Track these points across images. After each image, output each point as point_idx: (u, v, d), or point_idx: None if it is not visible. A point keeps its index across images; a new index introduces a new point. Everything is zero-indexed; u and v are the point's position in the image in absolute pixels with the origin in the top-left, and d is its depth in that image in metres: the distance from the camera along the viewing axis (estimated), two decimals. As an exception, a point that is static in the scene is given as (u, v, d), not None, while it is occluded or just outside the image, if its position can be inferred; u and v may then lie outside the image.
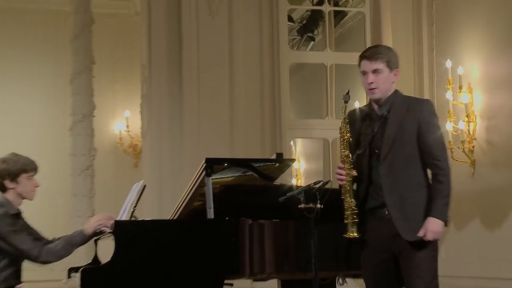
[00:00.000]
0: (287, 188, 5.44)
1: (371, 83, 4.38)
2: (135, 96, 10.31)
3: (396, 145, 4.37)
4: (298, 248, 5.16)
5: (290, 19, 9.79)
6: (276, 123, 9.08)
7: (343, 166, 4.40)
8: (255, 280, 6.05)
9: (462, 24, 8.30)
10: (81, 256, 7.42)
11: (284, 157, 5.92)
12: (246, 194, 5.65)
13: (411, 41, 9.15)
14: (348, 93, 4.46)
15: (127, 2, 11.14)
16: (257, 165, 5.56)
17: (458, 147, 7.76)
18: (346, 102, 4.44)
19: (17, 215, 5.36)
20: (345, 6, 10.14)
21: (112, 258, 4.81)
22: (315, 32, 10.36)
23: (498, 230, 7.48)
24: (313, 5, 10.05)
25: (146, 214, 7.41)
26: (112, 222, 5.13)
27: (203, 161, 5.10)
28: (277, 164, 5.70)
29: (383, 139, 4.39)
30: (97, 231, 5.26)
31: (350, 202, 4.40)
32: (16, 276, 5.34)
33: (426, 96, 8.90)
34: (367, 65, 4.43)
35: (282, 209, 5.20)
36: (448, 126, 7.86)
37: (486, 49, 7.82)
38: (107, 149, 10.73)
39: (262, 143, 9.03)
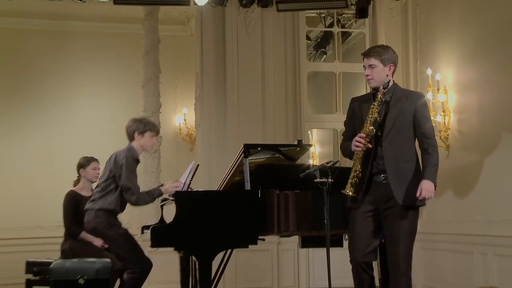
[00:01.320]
0: (306, 166, 5.67)
1: (367, 75, 4.50)
2: (190, 97, 10.31)
3: (396, 124, 4.42)
4: (314, 212, 5.31)
5: (308, 38, 9.73)
6: (297, 117, 9.20)
7: (364, 136, 4.34)
8: (281, 236, 6.17)
9: (439, 41, 8.26)
10: (150, 218, 7.78)
11: (303, 143, 5.83)
12: (274, 171, 5.81)
13: (400, 55, 8.46)
14: (388, 82, 4.43)
15: (185, 26, 10.92)
16: (283, 149, 5.69)
17: (436, 135, 7.50)
18: (384, 88, 4.39)
19: (137, 161, 5.78)
20: (350, 28, 9.95)
21: (174, 219, 5.07)
22: (327, 48, 10.21)
23: (467, 197, 7.56)
24: (325, 27, 9.94)
25: (198, 186, 7.32)
26: (179, 187, 5.57)
27: (242, 146, 5.32)
28: (298, 148, 5.74)
29: (386, 119, 4.43)
30: (170, 193, 5.66)
31: (357, 167, 4.38)
32: (121, 206, 5.71)
33: None
34: (365, 61, 4.54)
35: (302, 183, 5.34)
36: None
37: (457, 60, 7.82)
38: (170, 137, 10.71)
39: (287, 132, 9.10)
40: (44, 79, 10.66)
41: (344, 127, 4.91)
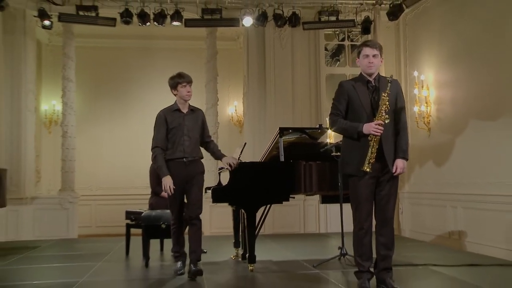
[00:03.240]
0: (324, 144, 5.77)
1: (371, 62, 4.09)
2: (240, 93, 10.28)
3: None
4: (331, 177, 5.39)
5: (325, 49, 9.66)
6: (318, 107, 9.22)
7: (382, 124, 3.95)
8: (306, 195, 6.32)
9: (423, 51, 8.20)
10: (211, 182, 7.73)
11: (323, 126, 5.76)
12: (301, 147, 5.75)
13: (394, 61, 9.04)
14: (391, 76, 4.11)
15: (236, 42, 10.82)
16: (308, 131, 5.73)
17: (420, 121, 7.87)
18: (390, 82, 4.03)
19: (178, 110, 4.96)
20: (357, 42, 9.61)
21: (228, 182, 5.16)
22: (340, 56, 9.98)
23: (443, 166, 7.54)
24: (338, 41, 9.81)
25: (246, 159, 6.82)
26: (236, 161, 5.06)
27: (278, 129, 5.41)
28: (319, 130, 5.75)
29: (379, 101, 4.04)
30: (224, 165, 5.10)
31: (374, 148, 3.97)
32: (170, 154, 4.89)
33: (404, 92, 8.81)
34: (369, 50, 4.12)
35: (322, 156, 5.50)
36: (415, 109, 7.94)
37: (436, 65, 7.78)
38: (225, 123, 10.53)
39: (310, 118, 9.09)
40: (132, 84, 10.86)
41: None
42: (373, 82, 4.13)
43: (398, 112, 4.13)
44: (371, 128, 3.96)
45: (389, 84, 4.04)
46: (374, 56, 4.11)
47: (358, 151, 4.04)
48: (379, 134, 3.96)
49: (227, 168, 5.09)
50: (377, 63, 4.14)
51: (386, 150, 4.02)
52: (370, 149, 3.97)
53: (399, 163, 4.07)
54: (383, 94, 4.00)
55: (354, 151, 4.08)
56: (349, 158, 4.14)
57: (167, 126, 4.87)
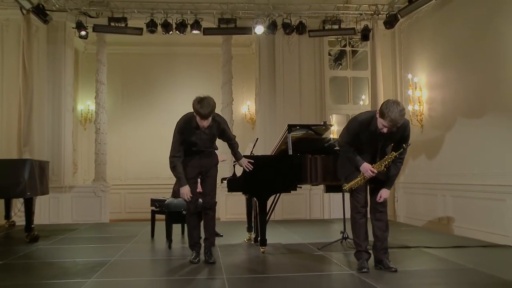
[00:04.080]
0: (328, 139, 5.70)
1: (384, 130, 3.89)
2: (252, 94, 10.27)
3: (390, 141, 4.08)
4: (334, 169, 5.11)
5: (329, 54, 9.65)
6: (322, 106, 9.21)
7: (376, 172, 3.98)
8: (312, 185, 6.05)
9: (416, 56, 8.17)
10: (226, 173, 7.80)
11: (327, 123, 5.76)
12: (307, 142, 5.70)
13: (390, 65, 9.03)
14: (408, 144, 3.99)
15: (248, 48, 10.73)
16: (314, 127, 5.67)
17: (415, 118, 7.82)
18: (403, 148, 3.99)
19: (196, 128, 4.51)
20: (357, 48, 9.65)
21: (242, 173, 5.12)
22: (342, 60, 9.97)
23: (434, 159, 7.53)
24: (341, 47, 9.80)
25: (258, 152, 6.79)
26: (249, 165, 4.89)
27: (286, 125, 5.39)
28: (324, 127, 5.70)
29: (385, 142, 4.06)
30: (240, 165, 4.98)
31: (361, 182, 4.06)
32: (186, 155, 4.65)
33: (399, 93, 8.75)
34: (388, 129, 3.89)
35: (326, 150, 5.47)
36: (410, 108, 7.88)
37: (428, 68, 7.76)
38: (239, 120, 10.48)
39: (315, 116, 9.06)
40: (157, 86, 10.83)
41: (345, 136, 4.24)
42: (393, 154, 4.04)
43: (400, 147, 4.03)
44: (368, 171, 4.00)
45: (401, 149, 4.00)
46: (388, 129, 3.91)
47: (351, 166, 4.16)
48: (370, 177, 4.01)
49: (243, 167, 5.02)
50: (386, 132, 3.94)
51: (378, 175, 4.06)
52: (356, 181, 4.05)
53: (384, 193, 4.14)
54: (392, 153, 3.98)
55: (348, 166, 4.20)
56: (344, 167, 4.25)
57: (184, 137, 4.56)
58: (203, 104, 4.34)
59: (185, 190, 4.53)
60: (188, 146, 4.59)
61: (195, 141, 4.57)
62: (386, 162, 4.00)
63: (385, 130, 3.90)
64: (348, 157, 4.15)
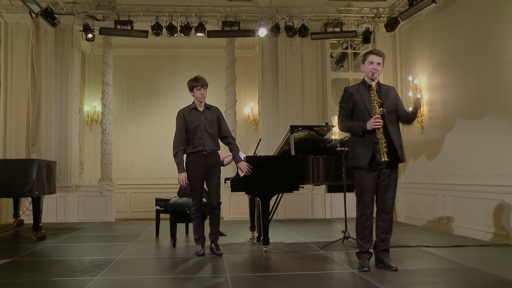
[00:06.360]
0: (330, 139, 5.67)
1: (375, 69, 4.04)
2: (255, 95, 10.29)
3: (391, 107, 4.06)
4: (336, 169, 5.33)
5: (331, 56, 9.65)
6: (324, 107, 9.14)
7: (380, 117, 3.93)
8: (314, 185, 5.91)
9: (416, 58, 8.14)
10: (229, 173, 7.74)
11: (329, 124, 5.78)
12: (309, 143, 5.72)
13: (391, 67, 8.98)
14: (373, 75, 4.03)
15: (252, 50, 10.82)
16: (316, 128, 5.67)
17: (415, 120, 7.75)
18: (373, 80, 4.02)
19: (195, 109, 4.90)
20: (359, 50, 9.69)
21: (245, 173, 5.05)
22: (344, 62, 10.02)
23: (434, 159, 7.49)
24: (342, 49, 9.84)
25: (261, 153, 7.20)
26: (247, 168, 4.93)
27: (289, 126, 5.39)
28: (326, 128, 5.71)
29: (385, 103, 4.01)
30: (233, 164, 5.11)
31: (383, 139, 3.94)
32: (191, 148, 4.86)
33: (400, 95, 8.65)
34: (375, 58, 4.08)
35: (328, 150, 5.48)
36: (410, 109, 7.99)
37: (428, 70, 7.73)
38: (242, 121, 10.47)
39: (317, 117, 9.03)
40: (161, 88, 10.88)
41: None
42: (374, 86, 4.08)
43: (401, 109, 4.15)
44: (372, 123, 3.94)
45: (378, 83, 4.12)
46: (378, 63, 4.08)
47: (363, 146, 4.02)
48: (380, 126, 3.92)
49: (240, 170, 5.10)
50: (380, 70, 4.10)
51: (394, 139, 4.00)
52: (380, 141, 3.94)
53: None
54: (371, 92, 4.00)
55: (359, 146, 4.04)
56: (355, 153, 4.09)
57: (186, 123, 4.85)
58: (196, 77, 4.88)
59: (182, 177, 4.78)
60: (193, 133, 4.82)
61: (200, 122, 4.82)
62: (375, 103, 3.97)
63: (377, 68, 4.03)
64: (349, 127, 4.09)
